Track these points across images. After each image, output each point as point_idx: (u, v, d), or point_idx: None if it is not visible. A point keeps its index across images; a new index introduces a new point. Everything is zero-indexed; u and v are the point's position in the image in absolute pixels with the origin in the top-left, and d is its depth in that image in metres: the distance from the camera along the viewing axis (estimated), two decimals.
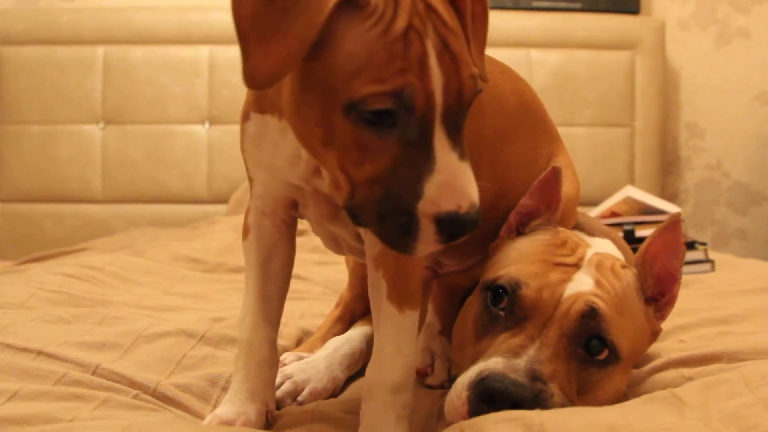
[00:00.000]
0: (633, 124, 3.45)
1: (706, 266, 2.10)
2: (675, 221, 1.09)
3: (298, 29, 0.71)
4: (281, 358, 1.21)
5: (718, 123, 3.69)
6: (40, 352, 1.10)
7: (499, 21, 3.47)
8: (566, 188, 1.20)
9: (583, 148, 3.36)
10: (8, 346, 1.11)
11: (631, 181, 3.33)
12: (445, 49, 0.73)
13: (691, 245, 2.11)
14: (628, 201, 2.40)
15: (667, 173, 3.66)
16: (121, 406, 0.98)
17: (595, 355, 1.00)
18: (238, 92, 3.36)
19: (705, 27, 3.67)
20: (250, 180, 1.02)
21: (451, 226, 0.74)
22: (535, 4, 3.48)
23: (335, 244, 1.08)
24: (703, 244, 2.15)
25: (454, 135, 0.75)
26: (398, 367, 0.94)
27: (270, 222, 1.03)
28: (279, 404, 1.13)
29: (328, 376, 1.21)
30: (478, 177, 1.01)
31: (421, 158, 0.73)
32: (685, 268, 1.88)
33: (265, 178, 1.00)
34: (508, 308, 1.02)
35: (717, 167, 3.70)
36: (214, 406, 1.07)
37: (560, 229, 1.14)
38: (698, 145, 3.71)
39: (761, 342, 1.11)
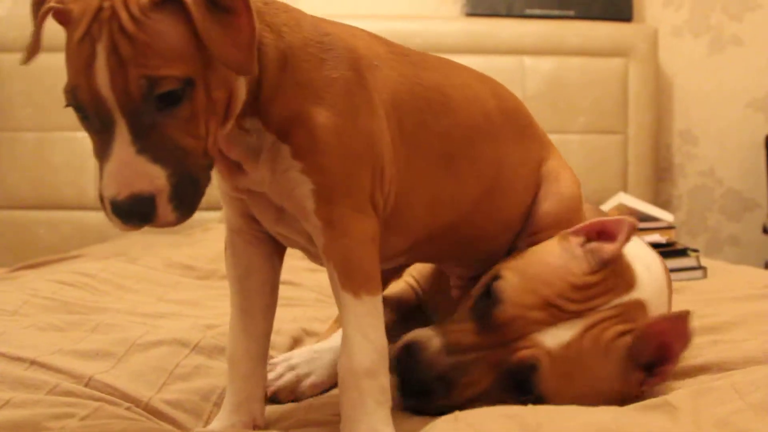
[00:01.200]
0: (626, 131, 3.45)
1: (698, 273, 2.11)
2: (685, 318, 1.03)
3: None
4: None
5: (711, 130, 3.71)
6: (33, 362, 1.10)
7: (492, 28, 3.50)
8: (565, 188, 1.20)
9: (576, 155, 3.36)
10: (2, 354, 1.11)
11: (624, 188, 3.34)
12: (113, 53, 0.79)
13: (683, 252, 2.12)
14: (621, 208, 2.41)
15: (660, 180, 3.67)
16: (112, 416, 0.98)
17: (521, 395, 1.01)
18: None
19: (698, 34, 3.69)
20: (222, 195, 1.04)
21: (117, 210, 0.82)
22: (528, 11, 3.49)
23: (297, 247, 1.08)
24: (695, 250, 2.16)
25: (138, 129, 0.81)
26: (367, 352, 0.94)
27: (240, 239, 1.04)
28: (277, 397, 1.16)
29: (331, 370, 1.21)
30: (458, 173, 1.07)
31: (104, 149, 0.82)
32: (677, 275, 1.89)
33: (223, 193, 1.02)
34: (485, 309, 1.04)
35: (710, 174, 3.71)
36: (206, 422, 1.07)
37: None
38: (691, 152, 3.72)
39: (752, 350, 1.12)
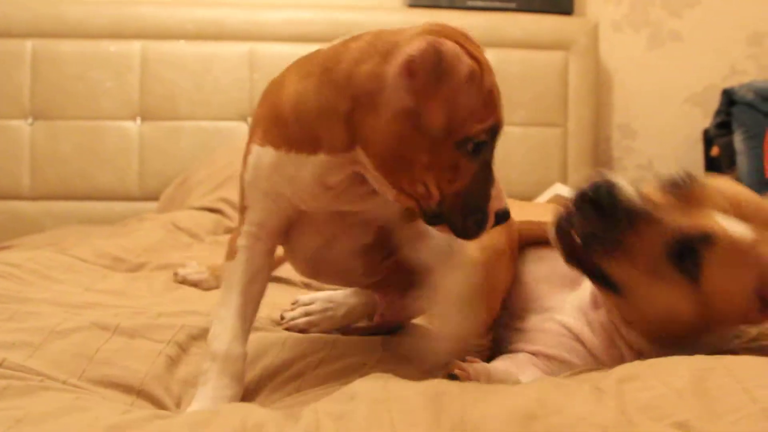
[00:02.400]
0: (566, 124, 3.48)
1: None
2: None
3: (449, 89, 0.92)
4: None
5: (649, 124, 3.74)
6: None
7: (433, 19, 3.46)
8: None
9: (517, 147, 3.38)
10: None
11: (564, 181, 3.36)
12: (498, 92, 0.97)
13: None
14: (557, 198, 2.42)
15: None
16: (22, 392, 0.94)
17: (681, 270, 1.07)
18: (172, 88, 3.34)
19: (637, 29, 3.72)
20: (245, 207, 1.10)
21: (501, 217, 1.01)
22: (470, 3, 3.49)
23: (317, 267, 1.21)
24: None
25: (493, 154, 1.01)
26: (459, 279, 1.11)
27: (262, 247, 1.12)
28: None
29: (342, 321, 1.43)
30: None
31: (486, 173, 0.99)
32: None
33: (267, 206, 1.08)
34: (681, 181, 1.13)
35: (648, 167, 3.75)
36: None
37: None
38: (630, 146, 3.75)
39: None
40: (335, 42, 1.01)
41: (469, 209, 0.99)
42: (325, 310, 1.43)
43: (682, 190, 1.10)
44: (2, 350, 1.10)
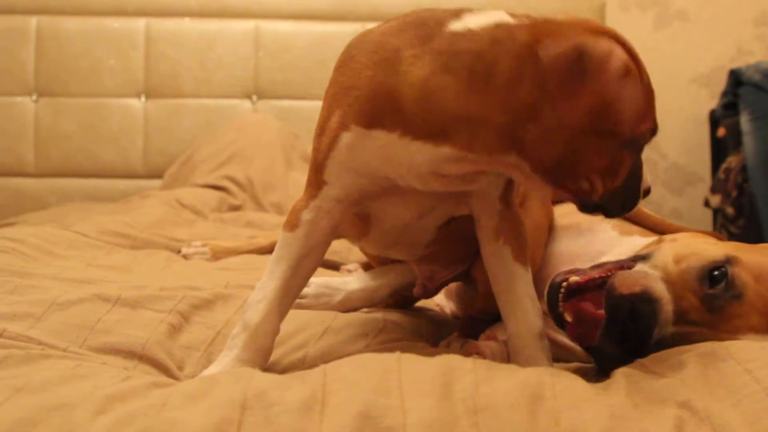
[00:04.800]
0: None
1: None
2: None
3: (593, 91, 0.89)
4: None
5: (656, 105, 3.72)
6: None
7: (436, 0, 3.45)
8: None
9: None
10: None
11: None
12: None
13: None
14: None
15: None
16: (22, 361, 0.94)
17: None
18: (176, 66, 3.33)
19: (645, 8, 3.70)
20: (323, 182, 1.05)
21: (647, 193, 1.06)
22: None
23: (398, 239, 1.20)
24: None
25: None
26: (538, 314, 1.09)
27: (328, 223, 1.07)
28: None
29: (337, 308, 1.38)
30: None
31: (639, 161, 1.00)
32: None
33: (354, 182, 1.04)
34: (720, 295, 1.05)
35: (654, 148, 3.74)
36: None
37: None
38: None
39: None
40: (467, 21, 0.95)
41: (628, 195, 1.00)
42: (319, 295, 1.40)
43: (719, 303, 1.05)
44: (3, 321, 1.09)
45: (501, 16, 0.94)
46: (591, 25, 0.92)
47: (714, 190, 3.26)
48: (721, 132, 3.34)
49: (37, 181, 3.28)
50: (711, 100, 3.63)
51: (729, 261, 1.07)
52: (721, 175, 3.25)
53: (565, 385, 0.86)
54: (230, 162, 2.93)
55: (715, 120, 3.43)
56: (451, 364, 0.89)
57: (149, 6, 3.34)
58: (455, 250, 1.27)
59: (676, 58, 3.71)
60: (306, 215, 1.07)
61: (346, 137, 1.00)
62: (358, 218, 1.16)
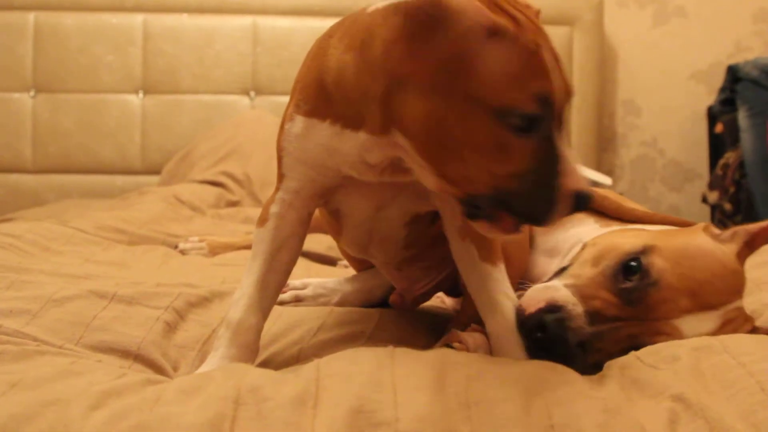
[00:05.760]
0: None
1: None
2: None
3: (438, 50, 0.85)
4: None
5: (654, 101, 3.73)
6: None
7: None
8: None
9: None
10: None
11: None
12: (554, 58, 0.88)
13: None
14: None
15: (603, 149, 3.69)
16: (17, 357, 0.94)
17: None
18: (174, 62, 3.33)
19: (643, 5, 3.70)
20: (282, 175, 1.07)
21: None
22: None
23: (368, 235, 1.18)
24: None
25: (562, 128, 0.90)
26: (512, 309, 1.06)
27: (294, 215, 1.08)
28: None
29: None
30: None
31: (551, 152, 0.88)
32: None
33: (306, 174, 1.05)
34: (635, 285, 1.05)
35: (652, 144, 3.74)
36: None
37: None
38: (634, 123, 3.74)
39: None
40: (383, 2, 0.93)
41: (533, 192, 0.90)
42: (318, 296, 1.41)
43: (637, 294, 1.04)
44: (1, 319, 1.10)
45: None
46: None
47: (711, 186, 3.26)
48: (718, 128, 3.34)
49: (35, 177, 3.28)
50: (709, 97, 3.63)
51: (644, 251, 1.08)
52: (718, 171, 3.25)
53: (558, 379, 0.86)
54: (228, 158, 2.93)
55: (713, 116, 3.43)
56: (444, 358, 0.89)
57: (147, 2, 3.34)
58: (432, 253, 1.25)
59: (675, 54, 3.71)
60: (273, 208, 1.08)
61: (293, 128, 1.03)
62: (331, 215, 1.17)
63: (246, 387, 0.81)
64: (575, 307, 1.03)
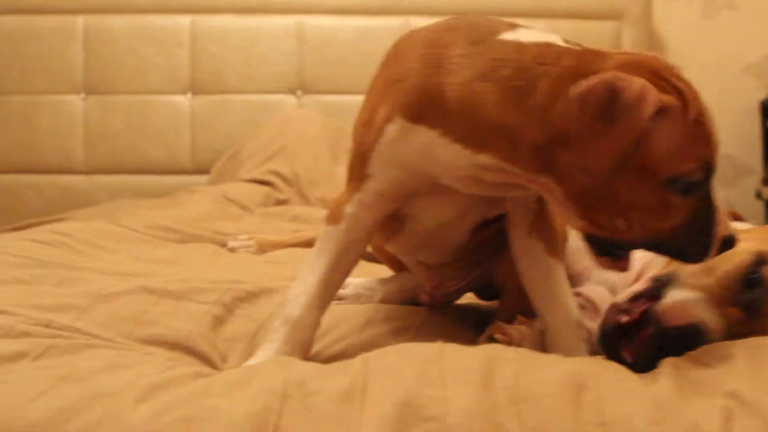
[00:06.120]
0: None
1: None
2: None
3: (623, 132, 0.86)
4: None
5: (705, 95, 3.55)
6: None
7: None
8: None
9: None
10: None
11: None
12: (709, 118, 0.92)
13: None
14: None
15: None
16: (67, 351, 0.95)
17: None
18: (220, 62, 3.35)
19: None
20: (366, 176, 1.04)
21: (728, 244, 0.96)
22: None
23: (431, 239, 1.17)
24: None
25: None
26: (574, 305, 1.11)
27: (370, 217, 1.08)
28: None
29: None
30: None
31: (708, 204, 0.93)
32: None
33: (396, 177, 1.03)
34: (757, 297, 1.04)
35: None
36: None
37: None
38: None
39: None
40: (519, 34, 0.94)
41: (688, 240, 0.94)
42: (358, 296, 1.40)
43: (757, 306, 1.02)
44: (50, 313, 1.11)
45: (553, 38, 0.94)
46: (640, 62, 0.91)
47: (766, 181, 3.20)
48: None
49: (86, 178, 3.32)
50: (762, 90, 3.56)
51: (760, 261, 1.05)
52: None
53: (609, 376, 0.85)
54: (276, 157, 2.94)
55: (766, 109, 3.37)
56: (492, 353, 0.88)
57: (194, 3, 3.36)
58: (471, 256, 1.25)
59: (725, 47, 3.64)
60: (348, 209, 1.07)
61: (391, 130, 1.00)
62: (391, 217, 1.14)
63: (293, 380, 0.81)
64: (719, 333, 1.00)
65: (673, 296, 1.03)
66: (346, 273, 1.11)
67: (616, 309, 1.05)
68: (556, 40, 0.94)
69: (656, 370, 0.91)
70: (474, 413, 0.76)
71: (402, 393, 0.78)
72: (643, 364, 0.97)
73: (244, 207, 2.60)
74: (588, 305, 1.27)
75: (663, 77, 0.90)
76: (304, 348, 1.06)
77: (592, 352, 1.07)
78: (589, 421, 0.77)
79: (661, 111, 0.86)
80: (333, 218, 1.09)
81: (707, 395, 0.83)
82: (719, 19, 3.64)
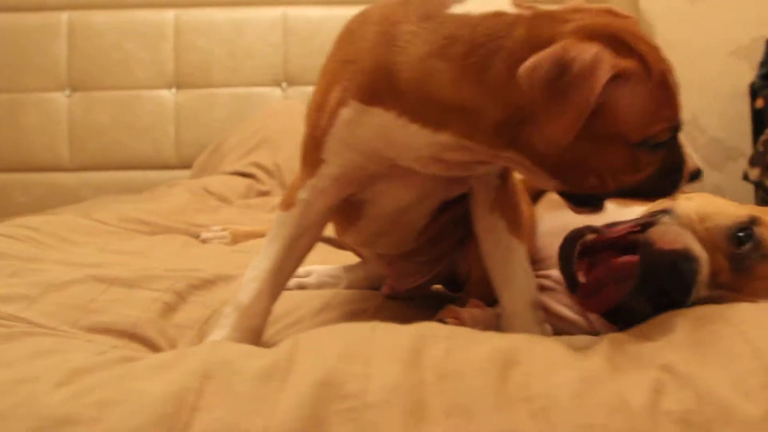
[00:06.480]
0: None
1: None
2: None
3: (577, 105, 0.83)
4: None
5: (693, 78, 3.63)
6: None
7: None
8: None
9: None
10: None
11: None
12: (673, 75, 0.91)
13: None
14: None
15: None
16: (4, 340, 0.94)
17: None
18: (205, 56, 3.34)
19: None
20: (321, 160, 1.02)
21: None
22: None
23: (390, 226, 1.15)
24: None
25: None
26: (532, 286, 1.08)
27: (324, 203, 1.05)
28: None
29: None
30: None
31: (676, 151, 0.93)
32: None
33: (353, 161, 1.01)
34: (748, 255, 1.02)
35: (693, 123, 3.65)
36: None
37: None
38: None
39: None
40: (468, 4, 0.91)
41: (660, 182, 0.94)
42: (322, 284, 1.39)
43: (747, 263, 1.01)
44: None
45: (502, 4, 0.90)
46: (597, 25, 0.87)
47: (753, 162, 3.17)
48: (759, 103, 3.25)
49: (73, 175, 3.32)
50: (751, 73, 3.52)
51: (754, 221, 1.03)
52: (759, 147, 3.16)
53: (540, 351, 0.84)
54: (258, 149, 2.94)
55: (755, 92, 3.34)
56: (426, 332, 0.87)
57: None
58: (432, 247, 1.24)
59: (714, 30, 3.61)
60: (302, 194, 1.05)
61: (345, 113, 0.97)
62: (348, 203, 1.12)
63: (217, 361, 0.80)
64: (707, 265, 0.99)
65: (667, 223, 1.02)
66: (300, 259, 1.09)
67: (587, 227, 1.04)
68: (504, 5, 0.90)
69: (594, 345, 0.89)
70: (395, 390, 0.75)
71: (323, 371, 0.77)
72: (594, 301, 0.99)
73: (224, 199, 2.59)
74: (559, 287, 1.25)
75: (622, 40, 0.87)
76: (254, 334, 1.04)
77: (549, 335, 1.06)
78: (514, 396, 0.76)
79: (620, 77, 0.85)
80: (286, 204, 1.07)
81: (641, 368, 0.81)
82: (708, 2, 3.62)
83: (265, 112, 3.18)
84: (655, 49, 0.90)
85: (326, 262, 1.49)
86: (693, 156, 0.97)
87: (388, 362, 0.79)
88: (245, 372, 0.78)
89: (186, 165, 3.29)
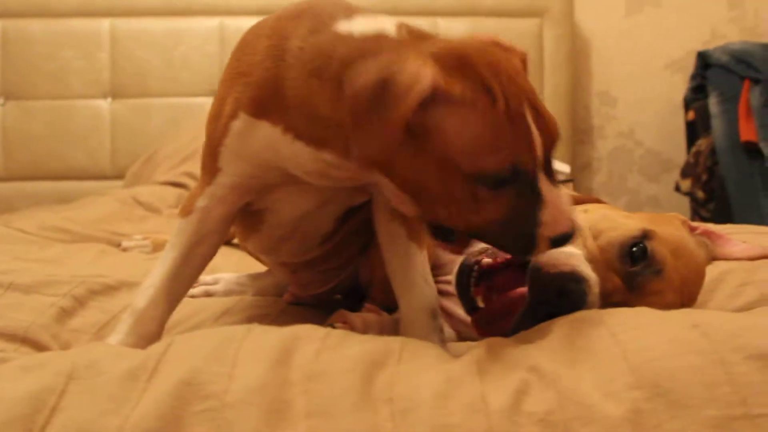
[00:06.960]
0: (542, 92, 3.43)
1: None
2: None
3: (386, 126, 0.81)
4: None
5: (630, 91, 3.70)
6: None
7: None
8: None
9: None
10: None
11: None
12: (537, 114, 0.86)
13: None
14: None
15: (579, 142, 3.66)
16: None
17: None
18: (141, 66, 3.32)
19: None
20: (217, 169, 1.02)
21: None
22: None
23: (291, 233, 1.15)
24: None
25: (549, 172, 0.89)
26: (431, 293, 1.07)
27: (222, 211, 1.05)
28: None
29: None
30: None
31: (533, 198, 0.88)
32: None
33: (246, 171, 1.01)
34: (640, 272, 1.03)
35: (629, 135, 3.71)
36: None
37: None
38: (610, 114, 3.71)
39: None
40: (354, 24, 0.90)
41: (510, 236, 0.90)
42: (229, 292, 1.39)
43: (639, 280, 1.02)
44: None
45: (386, 26, 0.90)
46: (459, 51, 0.85)
47: (684, 174, 3.23)
48: (690, 115, 3.31)
49: (6, 185, 3.28)
50: (686, 86, 3.59)
51: (646, 235, 1.04)
52: (690, 158, 3.22)
53: (412, 353, 0.84)
54: (192, 159, 2.91)
55: (687, 105, 3.40)
56: (301, 333, 0.87)
57: (114, 6, 3.33)
58: (335, 257, 1.24)
59: (649, 43, 3.68)
60: (200, 202, 1.05)
61: (236, 125, 0.97)
62: (248, 211, 1.12)
63: (84, 362, 0.80)
64: (596, 285, 0.99)
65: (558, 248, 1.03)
66: (199, 266, 1.08)
67: (481, 250, 1.05)
68: (388, 28, 0.90)
69: (468, 349, 0.90)
70: (257, 390, 0.75)
71: (187, 371, 0.77)
72: (492, 325, 0.99)
73: (154, 209, 2.58)
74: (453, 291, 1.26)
75: (470, 66, 0.84)
76: (148, 340, 1.03)
77: (445, 342, 1.06)
78: (378, 397, 0.76)
79: (446, 98, 0.82)
80: (185, 211, 1.06)
81: (508, 370, 0.81)
82: (643, 16, 3.68)
83: (199, 121, 3.15)
84: (516, 86, 0.85)
85: (240, 270, 1.49)
86: (564, 219, 0.89)
87: (255, 363, 0.79)
88: (110, 372, 0.78)
89: (121, 175, 3.26)
